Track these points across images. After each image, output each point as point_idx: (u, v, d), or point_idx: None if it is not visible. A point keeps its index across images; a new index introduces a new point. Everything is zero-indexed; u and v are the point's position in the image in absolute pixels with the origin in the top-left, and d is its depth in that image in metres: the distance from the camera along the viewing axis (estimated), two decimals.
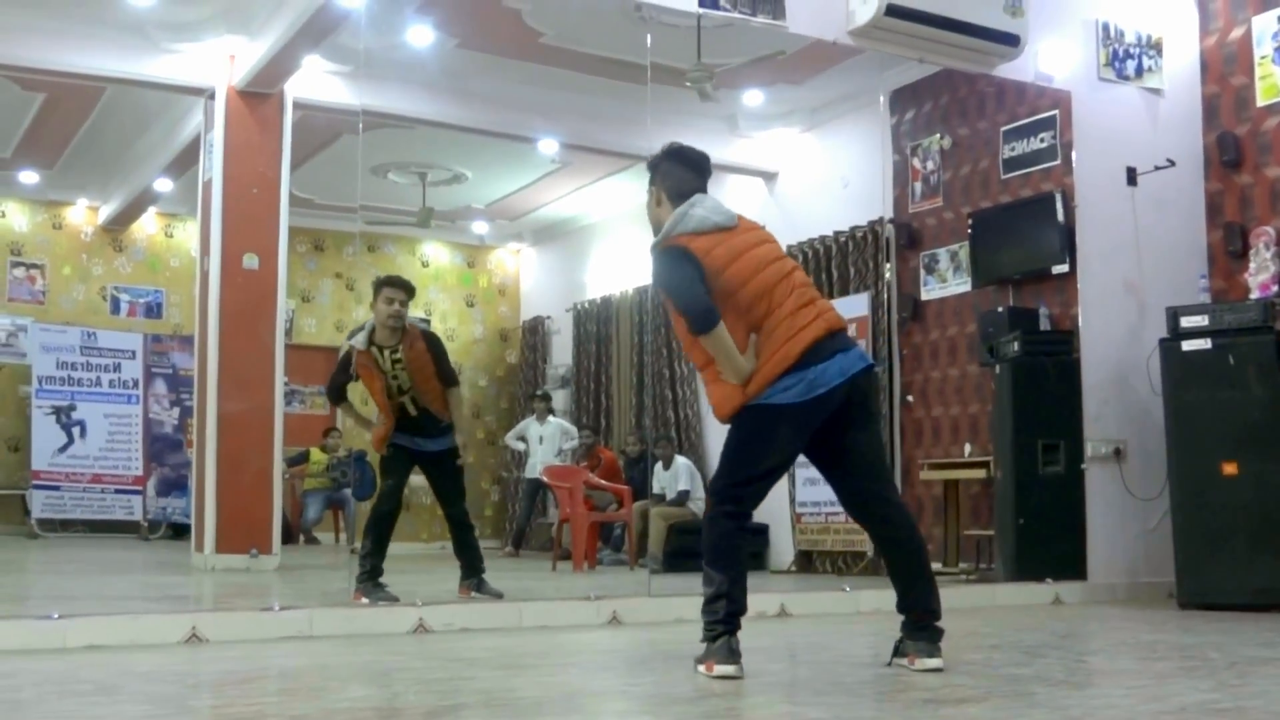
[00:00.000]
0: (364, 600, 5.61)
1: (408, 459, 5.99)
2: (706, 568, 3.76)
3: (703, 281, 3.71)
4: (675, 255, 3.78)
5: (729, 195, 4.03)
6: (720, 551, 3.75)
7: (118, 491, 11.79)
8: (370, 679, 3.89)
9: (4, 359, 12.14)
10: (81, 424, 11.77)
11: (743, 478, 3.77)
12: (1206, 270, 7.41)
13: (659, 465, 9.81)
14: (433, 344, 6.06)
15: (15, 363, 12.08)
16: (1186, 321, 6.50)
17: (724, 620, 3.68)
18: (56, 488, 11.58)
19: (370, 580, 5.73)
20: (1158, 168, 7.29)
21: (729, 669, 3.60)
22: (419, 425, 5.96)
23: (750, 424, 3.76)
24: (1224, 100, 7.50)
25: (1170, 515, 6.53)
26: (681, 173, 3.96)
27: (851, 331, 8.64)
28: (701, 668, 3.68)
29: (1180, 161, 7.38)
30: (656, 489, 9.66)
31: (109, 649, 4.42)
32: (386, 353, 5.90)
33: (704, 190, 3.96)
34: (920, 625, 3.81)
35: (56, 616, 4.56)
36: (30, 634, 4.46)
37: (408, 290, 6.02)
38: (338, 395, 6.16)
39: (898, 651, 3.84)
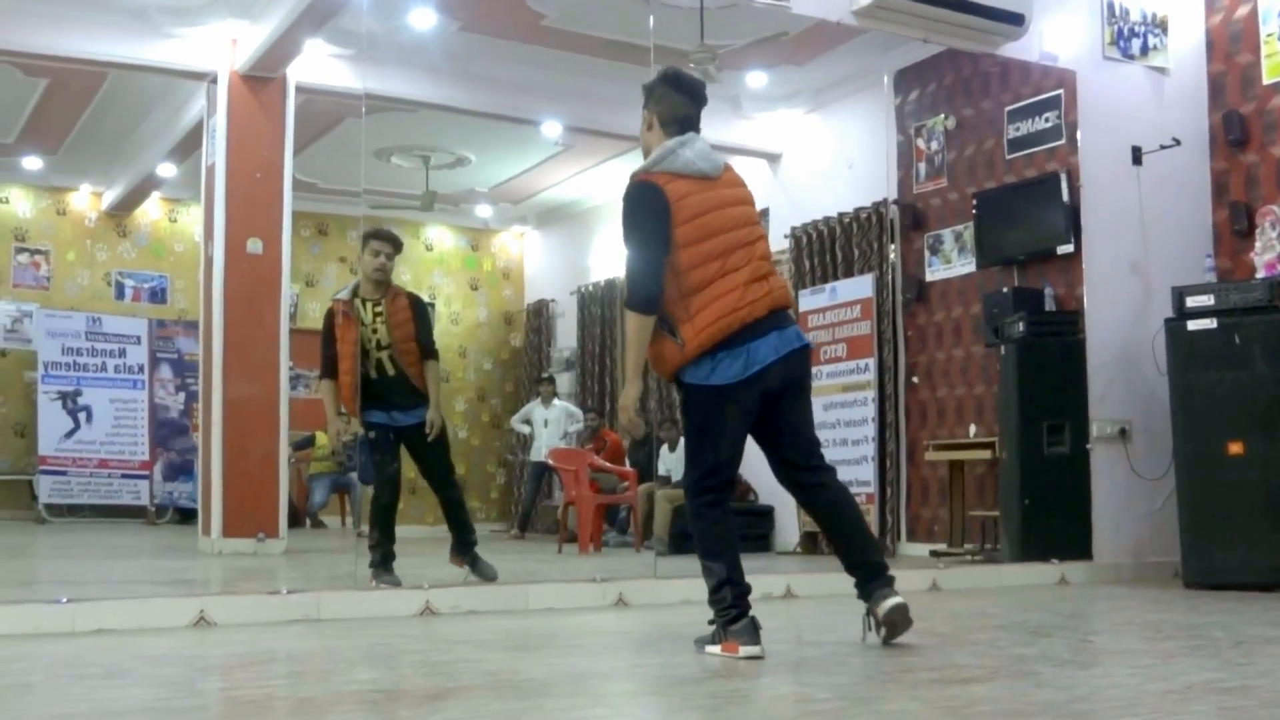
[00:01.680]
0: (374, 584, 5.63)
1: (394, 440, 5.92)
2: (703, 561, 3.80)
3: (666, 248, 3.72)
4: (650, 205, 3.77)
5: None
6: (711, 542, 3.80)
7: (124, 476, 11.82)
8: (377, 661, 3.91)
9: (10, 345, 12.16)
10: (88, 409, 11.80)
11: (709, 467, 3.83)
12: (1212, 250, 7.39)
13: (664, 447, 9.82)
14: (416, 304, 6.01)
15: (21, 349, 12.10)
16: (1192, 301, 6.49)
17: (735, 603, 3.71)
18: (63, 473, 11.62)
19: (382, 565, 5.73)
20: (1163, 147, 7.27)
21: (754, 649, 3.64)
22: (395, 389, 5.85)
23: (699, 412, 3.81)
24: (1230, 79, 7.47)
25: (1176, 495, 6.54)
26: (676, 98, 3.95)
27: (856, 313, 8.85)
28: (717, 649, 3.71)
29: (1186, 140, 7.35)
30: (662, 471, 9.67)
31: (117, 633, 4.45)
32: (369, 305, 5.90)
33: (697, 118, 3.96)
34: (870, 576, 3.90)
35: (65, 601, 4.58)
36: (39, 618, 4.48)
37: (394, 243, 6.00)
38: (329, 369, 5.98)
39: (867, 619, 3.91)
